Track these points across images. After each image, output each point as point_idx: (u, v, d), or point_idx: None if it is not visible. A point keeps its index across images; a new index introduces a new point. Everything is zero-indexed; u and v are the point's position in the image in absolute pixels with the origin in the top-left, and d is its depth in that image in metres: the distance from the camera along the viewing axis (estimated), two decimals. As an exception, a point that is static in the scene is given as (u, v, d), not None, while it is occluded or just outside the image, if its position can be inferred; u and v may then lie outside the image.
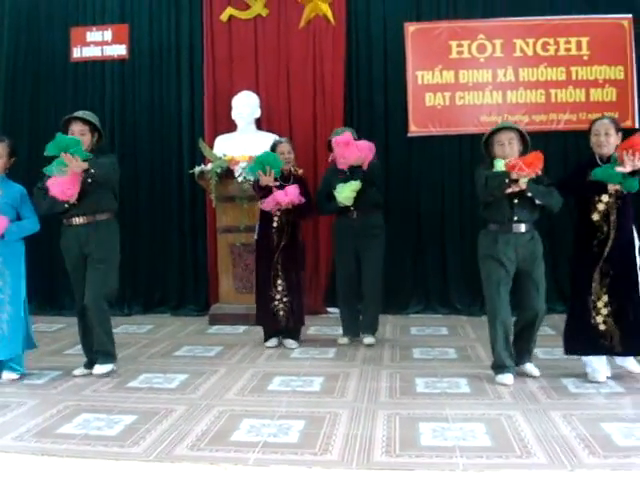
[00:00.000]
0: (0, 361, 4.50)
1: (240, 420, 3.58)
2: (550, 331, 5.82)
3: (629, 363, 4.31)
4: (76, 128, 4.56)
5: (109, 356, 4.58)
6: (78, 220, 4.51)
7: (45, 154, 4.32)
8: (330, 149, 5.50)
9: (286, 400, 3.96)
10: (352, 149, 5.23)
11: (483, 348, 5.24)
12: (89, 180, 4.40)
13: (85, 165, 4.32)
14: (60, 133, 4.38)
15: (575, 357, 4.45)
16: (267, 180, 5.16)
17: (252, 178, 5.49)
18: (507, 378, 4.19)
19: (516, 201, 4.19)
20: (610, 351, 4.19)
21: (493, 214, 4.29)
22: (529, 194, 4.15)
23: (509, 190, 4.10)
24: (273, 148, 5.46)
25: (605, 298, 4.14)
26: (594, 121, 4.30)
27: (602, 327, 4.14)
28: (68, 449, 3.22)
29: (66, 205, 4.46)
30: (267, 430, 3.42)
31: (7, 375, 4.48)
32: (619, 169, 3.97)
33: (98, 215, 4.53)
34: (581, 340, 4.23)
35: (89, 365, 4.63)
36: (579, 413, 3.59)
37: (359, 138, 5.57)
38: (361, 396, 4.03)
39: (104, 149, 4.80)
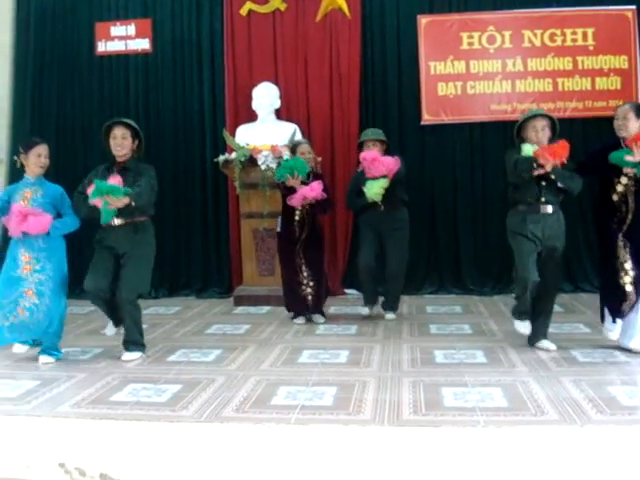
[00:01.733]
0: (39, 345, 4.77)
1: (277, 387, 3.91)
2: (559, 309, 6.11)
3: (633, 344, 4.49)
4: (118, 132, 4.67)
5: (139, 345, 4.80)
6: (117, 222, 4.63)
7: (89, 201, 4.48)
8: (361, 149, 5.84)
9: (317, 370, 4.29)
10: (378, 165, 5.58)
11: (496, 324, 5.59)
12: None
13: (127, 200, 4.43)
14: (98, 181, 4.46)
15: (582, 331, 4.78)
16: (294, 183, 5.52)
17: (279, 181, 5.79)
18: (525, 325, 4.57)
19: (543, 183, 4.48)
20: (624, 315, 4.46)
21: (522, 195, 4.57)
22: (552, 177, 4.44)
23: (535, 173, 4.38)
24: (294, 149, 5.84)
25: (630, 263, 4.40)
26: (617, 107, 4.60)
27: (629, 288, 4.40)
28: (124, 414, 3.53)
29: None
30: (303, 395, 3.75)
31: (44, 359, 4.70)
32: (629, 158, 4.23)
33: (136, 218, 4.68)
34: (614, 303, 4.48)
35: (117, 323, 4.85)
36: (587, 379, 3.90)
37: (385, 146, 5.88)
38: (385, 366, 4.36)
39: (142, 157, 4.91)
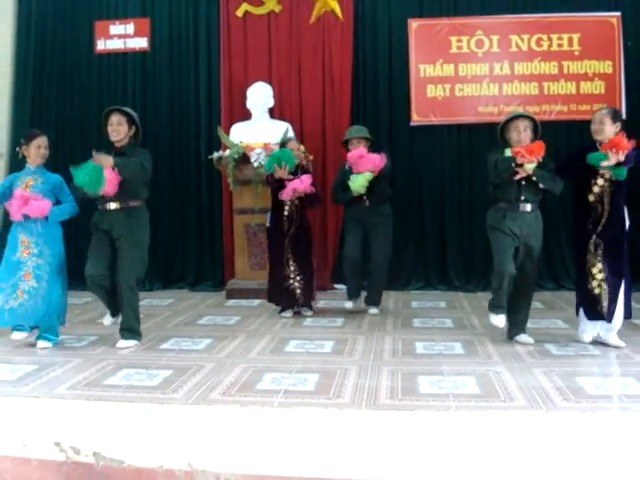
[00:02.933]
0: (36, 330, 4.95)
1: (263, 374, 4.10)
2: (540, 305, 6.32)
3: (612, 339, 4.69)
4: (114, 118, 4.90)
5: (134, 333, 4.97)
6: (112, 206, 4.85)
7: (76, 183, 4.64)
8: (346, 147, 6.07)
9: (301, 359, 4.49)
10: (365, 162, 5.80)
11: (478, 319, 5.79)
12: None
13: (112, 162, 4.64)
14: (74, 168, 4.64)
15: (559, 326, 4.98)
16: (282, 174, 5.75)
17: (268, 172, 6.01)
18: (500, 319, 4.74)
19: (523, 183, 4.68)
20: (602, 315, 4.62)
21: (502, 194, 4.76)
22: (534, 178, 4.65)
23: (518, 176, 4.60)
24: (283, 145, 6.04)
25: (599, 265, 4.60)
26: (595, 111, 4.81)
27: (597, 291, 4.61)
28: (117, 396, 3.72)
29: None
30: (287, 381, 3.94)
31: (42, 344, 4.90)
32: (604, 164, 4.44)
33: (131, 202, 4.89)
34: (586, 305, 4.70)
35: (115, 313, 5.04)
36: (558, 370, 4.09)
37: (370, 143, 6.09)
38: (367, 356, 4.56)
39: (140, 142, 5.13)
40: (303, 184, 5.74)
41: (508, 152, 4.67)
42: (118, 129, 4.89)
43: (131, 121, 4.98)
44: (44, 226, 4.92)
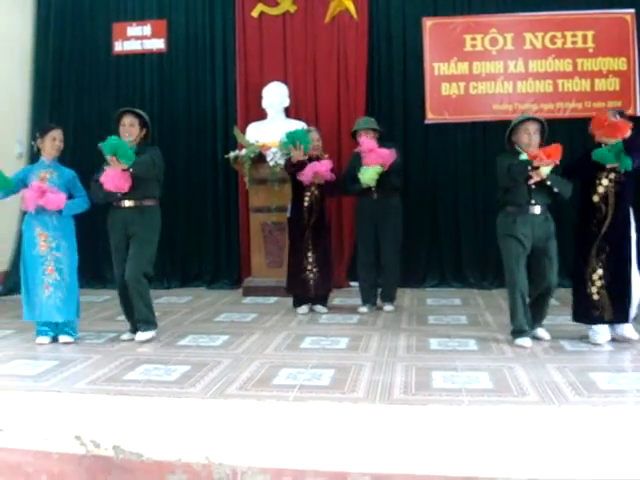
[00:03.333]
0: (57, 325, 5.07)
1: (279, 369, 4.17)
2: (555, 302, 6.30)
3: (626, 330, 4.72)
4: (127, 120, 5.04)
5: (150, 324, 5.09)
6: (126, 203, 4.99)
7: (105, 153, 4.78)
8: (354, 137, 6.11)
9: (317, 355, 4.55)
10: (374, 155, 5.83)
11: (492, 316, 5.83)
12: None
13: (124, 166, 4.77)
14: (111, 137, 4.83)
15: (574, 323, 5.00)
16: (298, 155, 5.79)
17: (284, 154, 6.07)
18: (526, 341, 4.68)
19: (534, 186, 4.69)
20: (601, 320, 4.66)
21: (513, 198, 4.77)
22: (548, 183, 4.66)
23: (532, 181, 4.61)
24: None
25: (600, 271, 4.61)
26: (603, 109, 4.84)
27: (595, 297, 4.63)
28: (136, 390, 3.81)
29: (119, 195, 4.93)
30: (302, 376, 4.01)
31: (63, 339, 5.04)
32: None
33: (145, 201, 5.03)
34: (581, 309, 4.75)
35: (134, 330, 5.14)
36: (571, 365, 4.12)
37: (378, 135, 6.14)
38: (382, 352, 4.62)
39: (150, 142, 5.24)
40: (323, 166, 5.81)
41: (524, 156, 4.68)
42: (130, 130, 5.03)
43: (143, 122, 5.11)
44: (59, 220, 5.04)
